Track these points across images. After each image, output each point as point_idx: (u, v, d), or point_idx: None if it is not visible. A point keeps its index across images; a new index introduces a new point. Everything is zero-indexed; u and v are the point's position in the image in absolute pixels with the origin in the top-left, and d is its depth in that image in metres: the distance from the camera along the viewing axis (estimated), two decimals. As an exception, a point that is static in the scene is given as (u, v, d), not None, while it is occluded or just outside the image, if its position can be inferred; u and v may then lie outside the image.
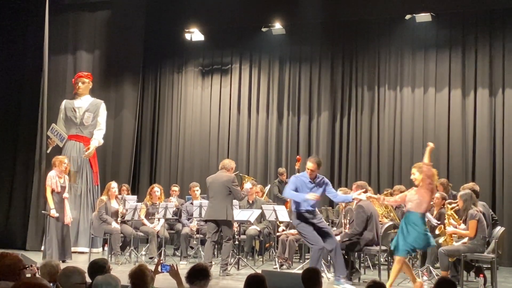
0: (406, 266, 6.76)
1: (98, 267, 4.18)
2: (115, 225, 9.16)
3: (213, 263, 8.17)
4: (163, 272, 4.54)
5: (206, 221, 8.35)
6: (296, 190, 7.31)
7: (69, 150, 10.85)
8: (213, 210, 8.07)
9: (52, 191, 8.81)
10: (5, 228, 10.83)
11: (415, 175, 6.70)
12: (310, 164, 7.34)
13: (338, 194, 7.74)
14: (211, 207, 8.14)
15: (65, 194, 9.02)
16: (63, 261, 8.57)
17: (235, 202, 8.59)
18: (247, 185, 8.79)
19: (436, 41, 11.06)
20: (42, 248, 9.50)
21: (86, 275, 4.01)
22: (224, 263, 7.95)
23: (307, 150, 11.77)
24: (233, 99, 12.47)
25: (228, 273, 7.92)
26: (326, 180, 7.51)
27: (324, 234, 7.27)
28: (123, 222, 9.30)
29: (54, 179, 8.82)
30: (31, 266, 3.83)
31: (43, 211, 9.39)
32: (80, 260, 8.97)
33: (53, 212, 8.77)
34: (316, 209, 7.54)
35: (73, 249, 10.04)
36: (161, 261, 4.61)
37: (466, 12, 10.82)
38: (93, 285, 3.82)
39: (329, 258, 8.32)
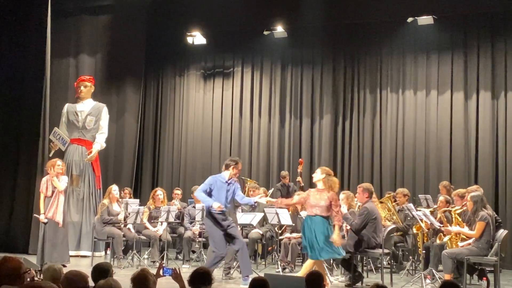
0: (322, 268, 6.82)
1: (102, 271, 4.16)
2: (121, 217, 9.20)
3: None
4: (165, 276, 4.53)
5: None
6: (210, 190, 7.39)
7: (72, 154, 10.83)
8: None
9: (45, 196, 8.70)
10: (8, 232, 10.80)
11: (317, 175, 6.93)
12: (240, 166, 7.49)
13: (245, 197, 7.87)
14: None
15: (61, 185, 8.69)
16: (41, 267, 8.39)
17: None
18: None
19: (438, 44, 11.05)
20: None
21: (90, 279, 4.00)
22: (227, 267, 7.94)
23: (309, 153, 11.77)
24: (235, 103, 12.47)
25: (230, 277, 7.91)
26: (236, 183, 7.61)
27: (232, 236, 7.38)
28: (126, 225, 9.30)
29: (44, 184, 8.70)
30: (29, 270, 3.82)
31: (34, 215, 9.34)
32: (83, 264, 8.98)
33: (41, 217, 8.69)
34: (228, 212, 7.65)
35: (75, 253, 10.06)
36: (163, 265, 4.58)
37: (467, 14, 10.82)
38: (95, 290, 3.81)
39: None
